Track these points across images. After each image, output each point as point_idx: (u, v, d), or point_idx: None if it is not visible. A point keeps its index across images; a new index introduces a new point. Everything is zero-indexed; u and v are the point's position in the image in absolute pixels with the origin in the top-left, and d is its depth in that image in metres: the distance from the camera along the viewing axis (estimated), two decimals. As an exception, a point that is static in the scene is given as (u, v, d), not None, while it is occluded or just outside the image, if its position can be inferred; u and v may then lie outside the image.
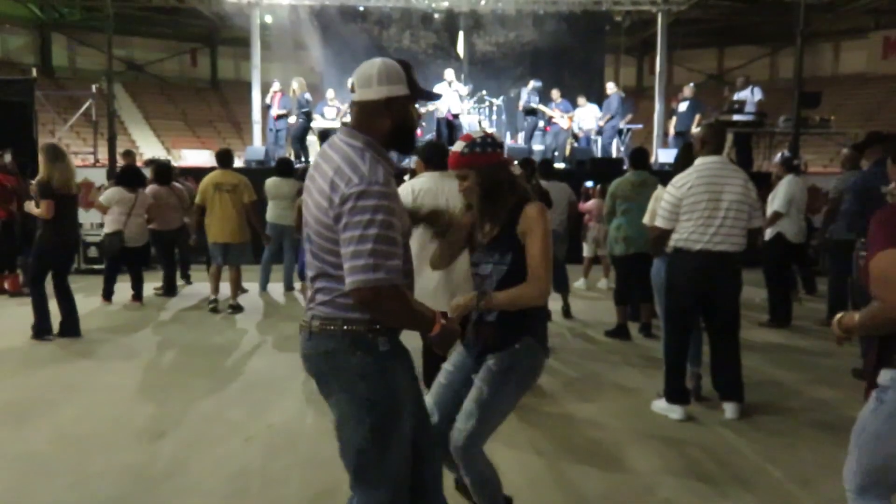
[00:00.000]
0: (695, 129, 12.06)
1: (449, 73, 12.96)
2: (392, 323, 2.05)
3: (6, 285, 8.36)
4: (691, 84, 13.57)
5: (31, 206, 6.11)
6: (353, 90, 2.12)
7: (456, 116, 12.87)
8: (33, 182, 6.38)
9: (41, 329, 6.11)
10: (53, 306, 6.14)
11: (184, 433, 4.02)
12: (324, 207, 1.99)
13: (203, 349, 5.95)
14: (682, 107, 12.85)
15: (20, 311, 7.35)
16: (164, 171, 8.47)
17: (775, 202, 6.77)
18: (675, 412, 4.26)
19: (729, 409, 4.30)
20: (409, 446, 2.14)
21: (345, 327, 2.04)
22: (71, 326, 6.20)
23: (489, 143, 2.51)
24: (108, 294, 7.78)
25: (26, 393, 4.73)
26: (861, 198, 5.41)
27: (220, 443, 3.87)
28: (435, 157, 4.16)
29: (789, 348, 6.15)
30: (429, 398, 2.64)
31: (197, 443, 3.87)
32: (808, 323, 7.03)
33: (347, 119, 11.83)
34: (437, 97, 2.41)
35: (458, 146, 2.54)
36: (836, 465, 3.56)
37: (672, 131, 13.32)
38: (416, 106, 2.20)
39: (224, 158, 7.53)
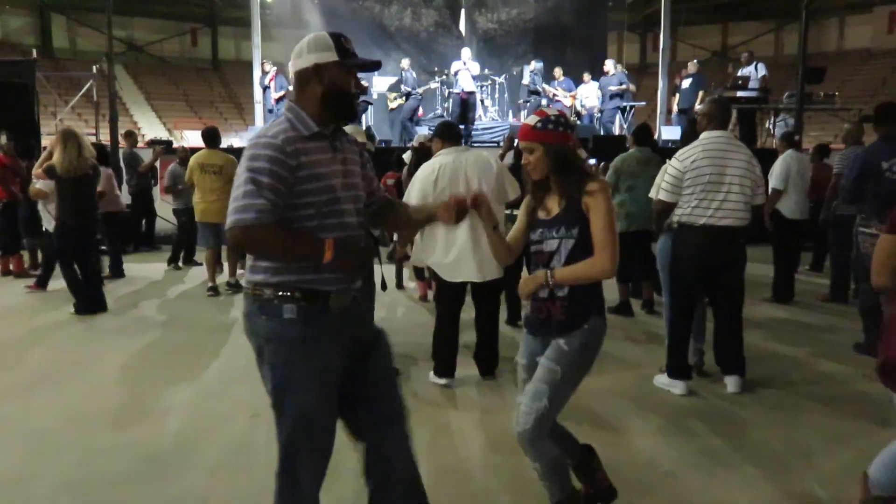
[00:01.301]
0: (698, 106, 12.00)
1: (465, 53, 12.99)
2: (274, 259, 2.09)
3: (11, 266, 8.39)
4: (695, 60, 13.48)
5: (32, 187, 6.18)
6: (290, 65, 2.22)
7: (470, 94, 12.85)
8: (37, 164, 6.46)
9: (82, 306, 6.29)
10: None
11: (190, 410, 4.06)
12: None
13: (208, 327, 5.99)
14: (686, 83, 12.77)
15: (23, 291, 7.40)
16: (104, 154, 8.21)
17: (772, 179, 6.75)
18: (677, 387, 4.29)
19: (731, 384, 4.32)
20: (319, 418, 2.16)
21: (255, 291, 2.14)
22: (96, 303, 6.43)
23: (562, 123, 2.50)
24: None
25: (33, 372, 4.78)
26: (861, 171, 5.37)
27: (227, 420, 3.91)
28: (450, 134, 4.45)
29: (791, 323, 6.16)
30: (520, 395, 2.60)
31: (203, 420, 3.91)
32: (811, 299, 7.03)
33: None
34: (373, 67, 2.36)
35: (530, 119, 2.53)
36: (837, 438, 3.63)
37: (675, 108, 13.24)
38: (359, 76, 2.24)
39: (209, 138, 7.43)
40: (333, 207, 2.14)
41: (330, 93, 2.14)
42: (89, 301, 6.38)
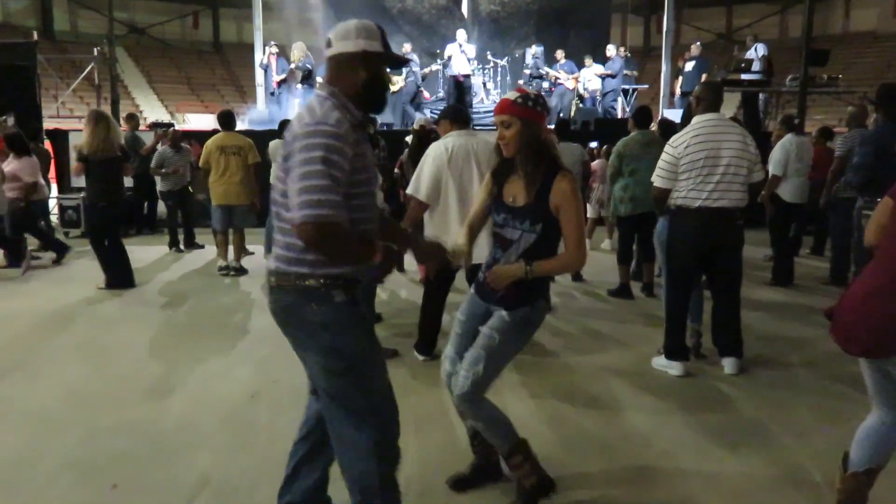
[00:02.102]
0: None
1: (461, 35, 12.87)
2: (336, 259, 2.07)
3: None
4: (698, 43, 13.40)
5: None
6: (329, 45, 2.15)
7: (466, 77, 12.79)
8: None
9: (114, 283, 6.61)
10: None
11: (191, 390, 4.10)
12: (281, 154, 2.07)
13: (209, 310, 6.04)
14: (689, 66, 12.71)
15: (28, 274, 7.45)
16: (18, 141, 7.93)
17: (771, 165, 6.74)
18: (674, 368, 4.32)
19: (728, 365, 4.35)
20: (389, 386, 2.24)
21: (296, 282, 2.10)
22: (125, 278, 6.74)
23: (540, 103, 2.55)
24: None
25: (35, 353, 4.83)
26: (876, 152, 5.34)
27: (228, 399, 3.95)
28: (460, 116, 4.53)
29: (790, 306, 6.18)
30: (450, 347, 2.75)
31: (204, 399, 3.96)
32: (811, 282, 7.05)
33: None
34: (406, 63, 2.46)
35: (510, 95, 2.57)
36: (831, 418, 3.66)
37: (678, 91, 13.19)
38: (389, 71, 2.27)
39: (226, 121, 7.49)
40: (368, 202, 2.17)
41: (373, 82, 2.14)
42: (119, 277, 6.69)
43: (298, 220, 1.96)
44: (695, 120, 4.23)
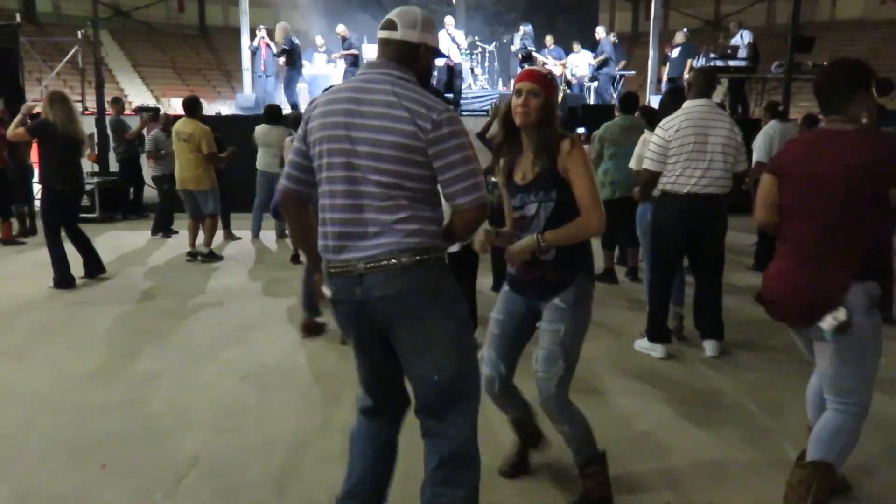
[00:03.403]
0: (686, 75, 11.99)
1: (449, 20, 12.80)
2: (468, 238, 2.19)
3: (-1, 234, 8.39)
4: (684, 29, 13.42)
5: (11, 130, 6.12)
6: (390, 27, 2.12)
7: (457, 63, 12.75)
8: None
9: (62, 280, 6.13)
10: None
11: (179, 373, 4.14)
12: (408, 133, 1.97)
13: (196, 294, 6.05)
14: (675, 53, 12.74)
15: (13, 258, 7.44)
16: None
17: (755, 151, 6.81)
18: (656, 351, 4.40)
19: (709, 347, 4.44)
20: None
21: (437, 255, 2.07)
22: (95, 266, 6.42)
23: (555, 80, 2.61)
24: None
25: (24, 336, 4.84)
26: None
27: (216, 382, 3.99)
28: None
29: (772, 291, 6.27)
30: (489, 349, 2.70)
31: (193, 382, 4.00)
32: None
33: (340, 66, 11.57)
34: (444, 56, 2.50)
35: (539, 68, 2.62)
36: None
37: (665, 78, 13.22)
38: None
39: (189, 107, 7.37)
40: None
41: (426, 74, 2.19)
42: (90, 267, 6.41)
43: (474, 202, 2.01)
44: (686, 105, 4.28)
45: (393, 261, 1.99)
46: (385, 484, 2.31)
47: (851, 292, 2.39)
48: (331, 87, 2.37)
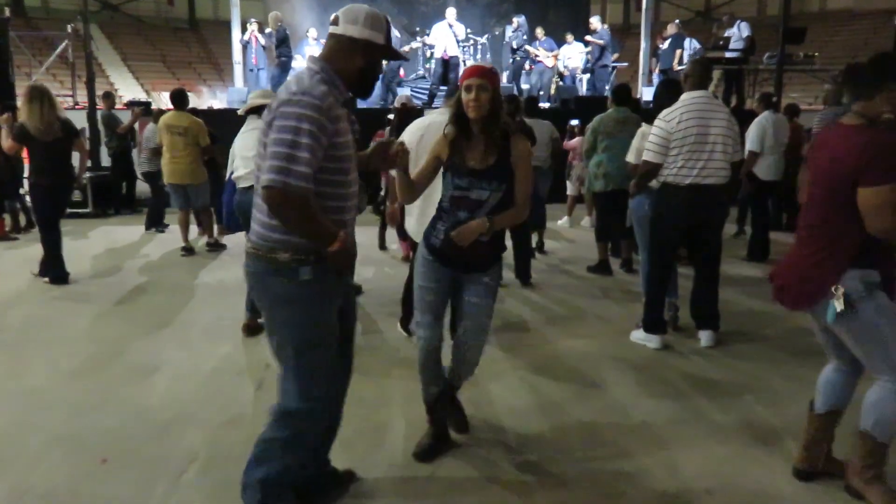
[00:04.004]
0: (676, 66, 12.03)
1: (451, 13, 12.72)
2: (293, 229, 2.11)
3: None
4: (677, 21, 13.43)
5: (6, 143, 5.98)
6: (335, 23, 2.18)
7: (453, 56, 12.68)
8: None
9: (56, 275, 6.08)
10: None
11: (176, 368, 4.13)
12: (265, 121, 2.10)
13: (190, 288, 6.04)
14: (665, 45, 12.77)
15: (5, 254, 7.40)
16: None
17: (748, 141, 6.84)
18: (652, 341, 4.42)
19: (704, 338, 4.46)
20: (332, 367, 2.33)
21: (269, 255, 2.15)
22: (52, 269, 6.15)
23: (497, 74, 2.84)
24: None
25: (18, 332, 4.82)
26: None
27: (213, 376, 3.99)
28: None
29: (765, 281, 6.26)
30: (427, 314, 2.90)
31: (190, 377, 3.99)
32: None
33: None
34: (404, 59, 2.63)
35: (484, 63, 2.85)
36: (803, 387, 3.77)
37: (656, 69, 13.23)
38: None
39: (176, 99, 7.34)
40: (342, 181, 2.21)
41: (367, 71, 2.21)
42: (50, 267, 6.14)
43: (265, 182, 2.02)
44: (684, 96, 4.28)
45: (246, 244, 2.30)
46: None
47: (848, 278, 2.47)
48: None
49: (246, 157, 4.64)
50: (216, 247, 7.55)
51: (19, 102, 9.62)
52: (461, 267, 2.86)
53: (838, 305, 2.45)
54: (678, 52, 12.24)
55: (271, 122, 2.06)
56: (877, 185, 2.35)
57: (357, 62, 2.17)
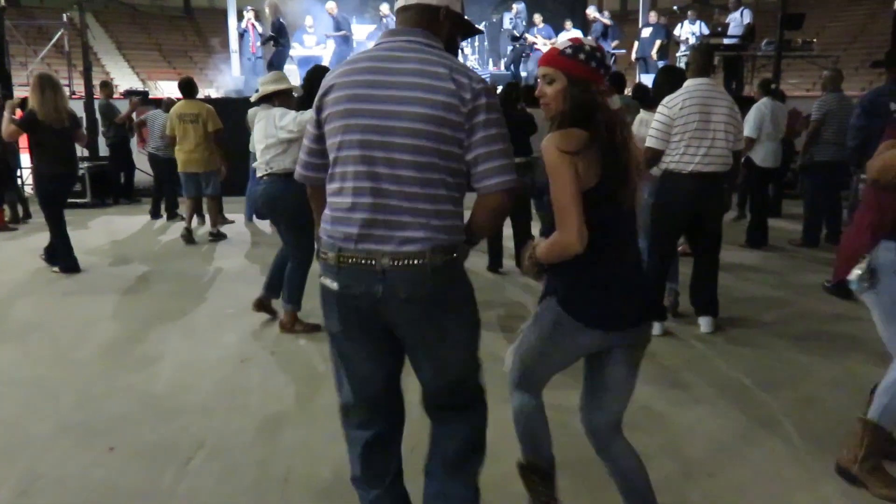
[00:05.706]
0: (654, 56, 12.18)
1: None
2: (494, 229, 2.05)
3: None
4: (674, 8, 13.43)
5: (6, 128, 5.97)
6: None
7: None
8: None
9: (68, 265, 6.12)
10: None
11: (182, 356, 4.16)
12: (449, 106, 1.76)
13: (194, 278, 6.06)
14: (645, 32, 12.85)
15: (6, 245, 7.41)
16: None
17: (746, 127, 6.85)
18: (652, 327, 4.45)
19: (704, 324, 4.50)
20: None
21: (463, 254, 1.90)
22: (62, 258, 6.21)
23: (596, 57, 1.96)
24: None
25: (23, 322, 4.84)
26: (868, 113, 5.46)
27: (218, 364, 4.02)
28: None
29: (764, 267, 6.36)
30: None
31: (195, 364, 4.02)
32: (784, 244, 7.22)
33: (330, 47, 11.40)
34: (479, 31, 2.24)
35: (561, 44, 2.03)
36: (802, 372, 3.83)
37: (633, 57, 13.35)
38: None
39: (186, 88, 7.45)
40: None
41: (451, 42, 1.98)
42: (56, 254, 6.18)
43: (503, 185, 1.80)
44: (687, 83, 4.29)
45: (423, 261, 1.78)
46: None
47: (882, 248, 2.49)
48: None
49: (263, 147, 4.53)
50: (217, 236, 7.59)
51: (16, 92, 9.65)
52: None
53: (859, 270, 2.48)
54: (657, 42, 12.35)
55: (472, 112, 1.77)
56: None
57: (444, 33, 1.93)
